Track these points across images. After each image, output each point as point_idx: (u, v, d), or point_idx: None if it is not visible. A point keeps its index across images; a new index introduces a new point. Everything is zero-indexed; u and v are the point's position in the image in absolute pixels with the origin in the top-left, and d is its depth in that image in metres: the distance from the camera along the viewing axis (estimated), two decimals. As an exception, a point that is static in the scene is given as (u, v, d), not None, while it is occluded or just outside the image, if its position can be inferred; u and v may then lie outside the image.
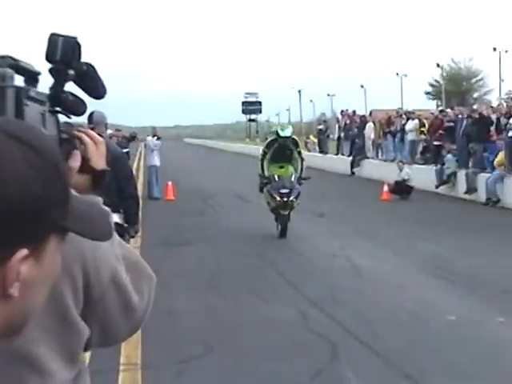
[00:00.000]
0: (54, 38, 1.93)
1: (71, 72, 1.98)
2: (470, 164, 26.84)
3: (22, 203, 1.17)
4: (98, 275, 1.88)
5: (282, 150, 18.86)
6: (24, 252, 1.18)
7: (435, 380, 8.47)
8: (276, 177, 18.56)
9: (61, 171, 1.29)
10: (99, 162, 2.06)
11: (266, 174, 18.87)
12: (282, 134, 18.65)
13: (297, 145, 19.36)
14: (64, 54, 1.92)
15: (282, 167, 18.86)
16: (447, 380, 8.47)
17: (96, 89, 2.19)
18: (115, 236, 1.90)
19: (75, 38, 1.95)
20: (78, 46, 1.96)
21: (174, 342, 9.69)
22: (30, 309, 1.30)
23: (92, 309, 1.90)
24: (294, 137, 19.60)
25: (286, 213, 18.12)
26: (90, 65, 2.11)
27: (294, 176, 18.68)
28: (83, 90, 2.12)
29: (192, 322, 10.83)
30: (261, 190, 19.43)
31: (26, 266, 1.19)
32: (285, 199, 17.87)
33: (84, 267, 1.84)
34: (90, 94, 2.18)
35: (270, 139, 19.66)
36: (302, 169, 19.04)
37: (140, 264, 2.10)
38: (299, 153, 19.33)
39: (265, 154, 19.14)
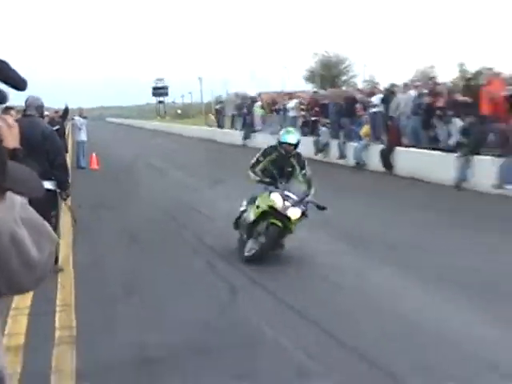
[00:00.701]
0: None
1: None
2: (341, 135, 27.08)
3: None
4: None
5: (280, 163, 11.42)
6: None
7: (323, 314, 8.53)
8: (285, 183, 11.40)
9: None
10: (11, 142, 2.13)
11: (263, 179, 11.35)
12: (282, 138, 11.40)
13: (302, 164, 11.52)
14: None
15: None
16: (334, 322, 8.47)
17: (15, 82, 2.25)
18: (16, 202, 1.89)
19: None
20: None
21: (102, 287, 9.71)
22: None
23: None
24: (299, 152, 11.68)
25: (280, 223, 10.78)
26: (3, 61, 2.20)
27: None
28: (4, 83, 2.19)
29: (116, 270, 10.83)
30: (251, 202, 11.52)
31: None
32: (287, 203, 10.77)
33: None
34: (11, 87, 2.25)
35: (268, 146, 11.94)
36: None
37: (42, 226, 2.10)
38: (304, 175, 11.48)
39: (258, 162, 11.52)
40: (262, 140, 35.71)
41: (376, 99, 25.05)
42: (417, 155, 21.58)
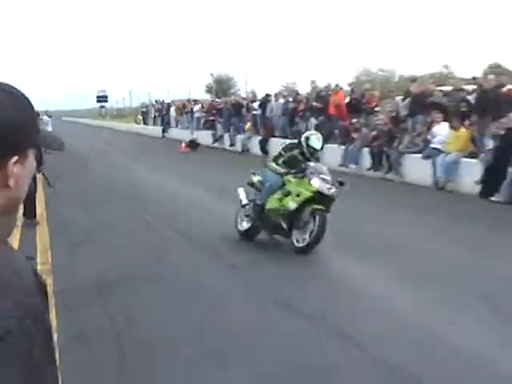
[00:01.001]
0: None
1: None
2: (231, 129, 26.95)
3: (14, 132, 1.17)
4: None
5: (298, 159, 8.63)
6: (15, 158, 1.17)
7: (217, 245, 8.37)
8: (312, 164, 8.42)
9: (33, 112, 1.25)
10: None
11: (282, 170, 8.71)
12: (310, 142, 8.56)
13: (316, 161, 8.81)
14: None
15: (303, 177, 8.33)
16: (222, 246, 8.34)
17: None
18: None
19: None
20: None
21: (68, 235, 9.38)
22: (21, 193, 1.25)
23: None
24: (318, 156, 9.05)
25: (325, 207, 7.96)
26: None
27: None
28: None
29: (78, 222, 10.46)
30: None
31: (16, 167, 1.18)
32: (328, 186, 8.01)
33: None
34: None
35: (289, 142, 9.33)
36: None
37: None
38: None
39: (280, 156, 8.86)
40: (176, 133, 35.43)
41: (256, 105, 25.05)
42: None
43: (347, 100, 19.11)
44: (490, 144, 13.06)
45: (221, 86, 54.98)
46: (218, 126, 28.75)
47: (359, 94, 19.28)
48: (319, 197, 7.96)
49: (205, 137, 29.39)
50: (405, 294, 6.42)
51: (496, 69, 26.70)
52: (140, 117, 48.96)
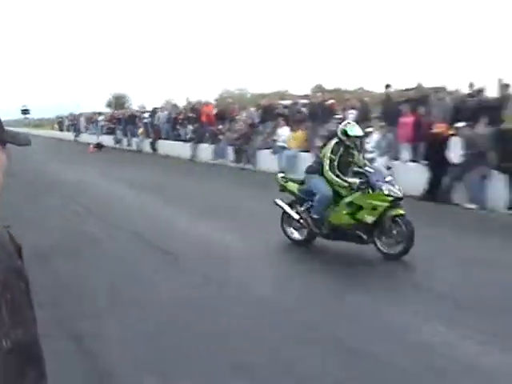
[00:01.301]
0: None
1: None
2: (128, 134, 25.29)
3: None
4: None
5: (345, 155, 6.18)
6: None
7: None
8: (369, 169, 6.09)
9: None
10: None
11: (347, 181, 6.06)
12: (350, 132, 6.11)
13: (359, 148, 6.91)
14: None
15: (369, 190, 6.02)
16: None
17: None
18: None
19: None
20: None
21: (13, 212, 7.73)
22: None
23: None
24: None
25: (403, 211, 5.81)
26: None
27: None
28: None
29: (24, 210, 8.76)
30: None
31: None
32: (396, 186, 5.90)
33: None
34: None
35: (333, 144, 6.16)
36: None
37: None
38: (363, 157, 7.02)
39: (332, 161, 6.08)
40: (85, 137, 32.83)
41: (147, 115, 23.55)
42: (169, 144, 20.62)
43: (215, 111, 18.48)
44: (319, 142, 12.97)
45: (118, 101, 51.86)
46: (118, 131, 26.89)
47: (223, 106, 18.64)
48: (393, 201, 5.91)
49: (108, 140, 27.52)
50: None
51: (319, 88, 27.13)
52: (56, 125, 45.28)
